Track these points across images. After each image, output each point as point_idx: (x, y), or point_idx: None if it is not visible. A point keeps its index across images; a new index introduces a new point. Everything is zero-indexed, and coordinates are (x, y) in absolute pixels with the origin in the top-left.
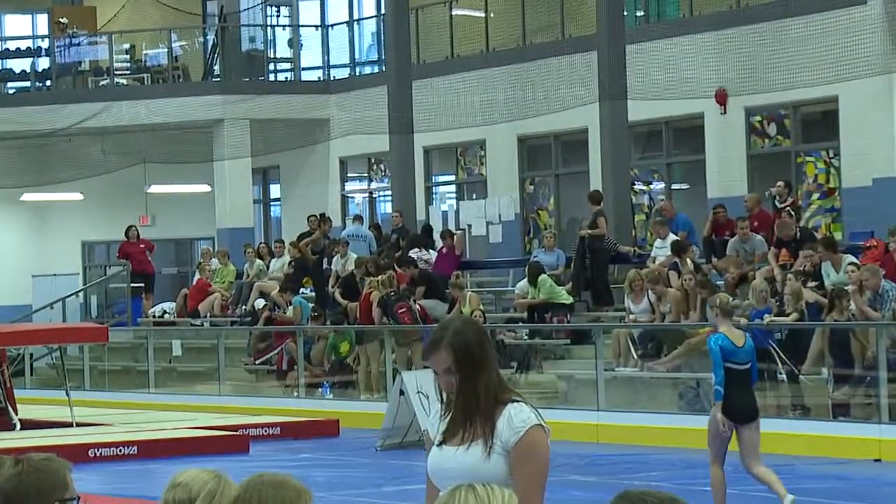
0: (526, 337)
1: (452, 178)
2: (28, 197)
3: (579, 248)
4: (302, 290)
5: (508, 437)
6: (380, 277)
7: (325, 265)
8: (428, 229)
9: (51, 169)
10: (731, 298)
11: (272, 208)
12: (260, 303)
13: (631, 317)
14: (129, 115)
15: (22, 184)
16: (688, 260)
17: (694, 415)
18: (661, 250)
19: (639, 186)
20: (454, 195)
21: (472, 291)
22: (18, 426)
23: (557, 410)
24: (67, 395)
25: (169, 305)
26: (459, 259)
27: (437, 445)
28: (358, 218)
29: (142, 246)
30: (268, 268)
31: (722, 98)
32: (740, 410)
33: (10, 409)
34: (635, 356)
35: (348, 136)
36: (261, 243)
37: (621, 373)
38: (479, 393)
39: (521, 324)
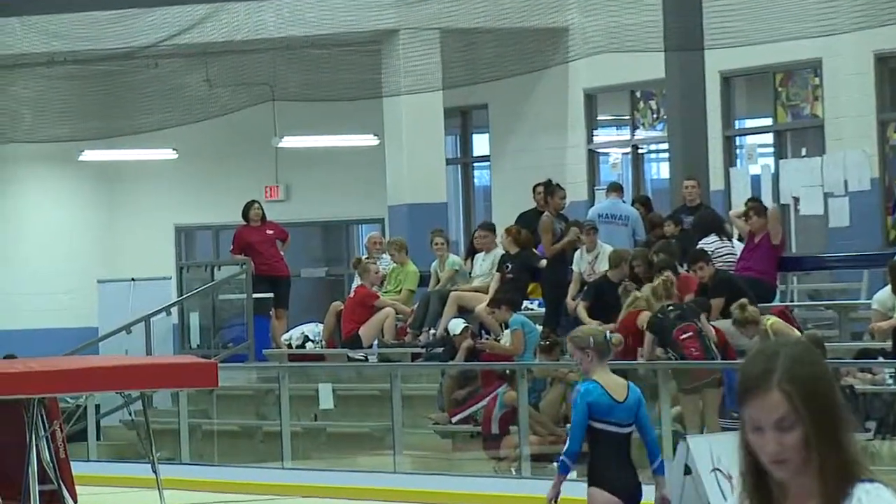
0: (892, 381)
1: (768, 121)
2: (91, 155)
3: None
4: (525, 303)
5: None
6: (651, 284)
7: (560, 264)
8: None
9: (126, 112)
10: (607, 333)
11: (476, 172)
12: (458, 325)
13: None
14: (250, 25)
15: (82, 135)
16: None
17: None
18: None
19: None
20: (771, 150)
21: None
22: None
23: None
24: (155, 471)
25: (313, 328)
26: (779, 253)
27: None
28: (615, 188)
29: (269, 233)
30: (470, 268)
31: None
32: (624, 490)
33: (64, 492)
34: None
35: (599, 56)
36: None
37: None
38: (829, 464)
39: (882, 359)
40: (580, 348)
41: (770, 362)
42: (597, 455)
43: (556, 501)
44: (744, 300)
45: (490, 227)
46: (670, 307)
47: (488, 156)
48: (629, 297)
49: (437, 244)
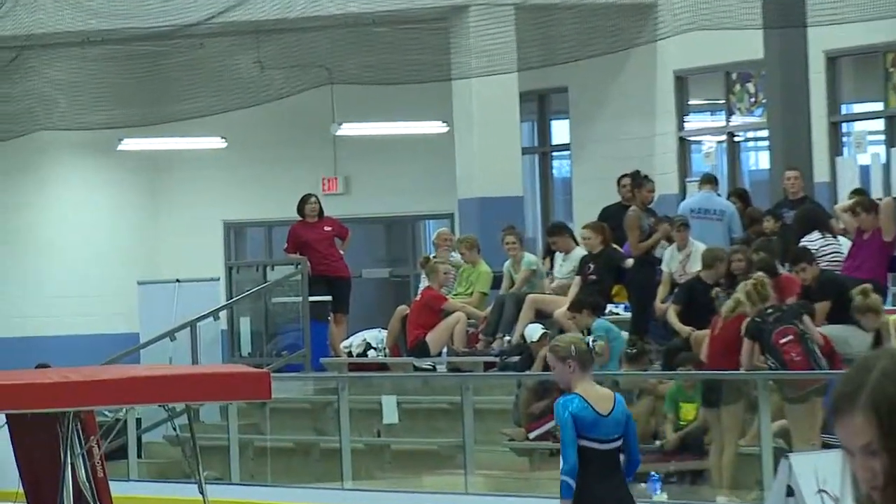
0: None
1: (878, 106)
2: (131, 144)
3: None
4: (609, 307)
5: None
6: (748, 284)
7: (648, 264)
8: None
9: (169, 97)
10: (591, 341)
11: (555, 163)
12: (535, 331)
13: None
14: (305, 1)
15: (121, 122)
16: None
17: None
18: None
19: None
20: (881, 137)
21: None
22: None
23: None
24: (202, 492)
25: (375, 335)
26: (891, 251)
27: None
28: (708, 180)
29: (327, 230)
30: (549, 268)
31: None
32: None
33: None
34: None
35: (690, 34)
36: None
37: None
38: None
39: None
40: (561, 359)
41: (860, 378)
42: (580, 474)
43: None
44: (867, 285)
45: (560, 231)
46: (769, 309)
47: (568, 144)
48: (729, 302)
49: (507, 243)
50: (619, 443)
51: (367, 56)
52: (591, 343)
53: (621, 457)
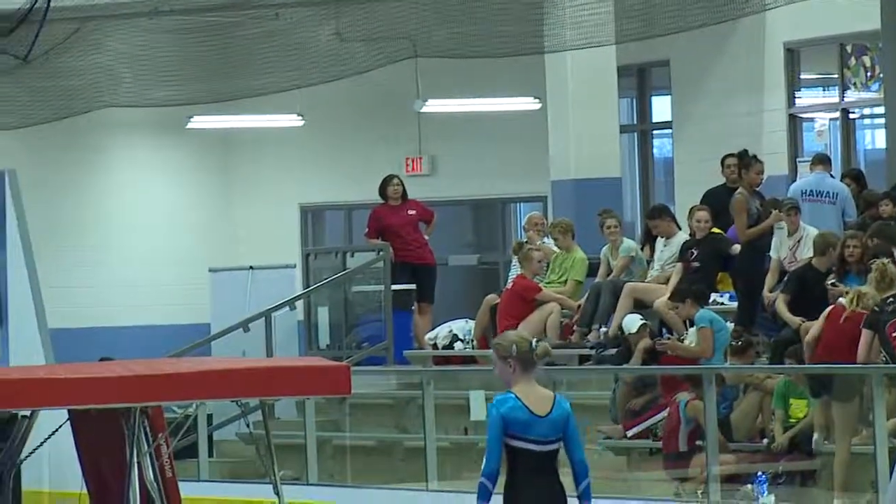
0: None
1: None
2: (201, 122)
3: None
4: (714, 296)
5: None
6: (876, 270)
7: (756, 250)
8: None
9: (242, 71)
10: (534, 342)
11: (655, 142)
12: (634, 322)
13: None
14: None
15: (190, 99)
16: None
17: None
18: None
19: None
20: None
21: None
22: None
23: None
24: (277, 493)
25: (462, 326)
26: None
27: None
28: (821, 160)
29: (411, 214)
30: (650, 256)
31: None
32: None
33: None
34: None
35: (802, 3)
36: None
37: None
38: None
39: None
40: (502, 357)
41: None
42: (512, 476)
43: None
44: None
45: (661, 214)
46: (890, 298)
47: (670, 122)
48: (850, 294)
49: (608, 227)
50: (555, 445)
51: (454, 27)
52: (533, 344)
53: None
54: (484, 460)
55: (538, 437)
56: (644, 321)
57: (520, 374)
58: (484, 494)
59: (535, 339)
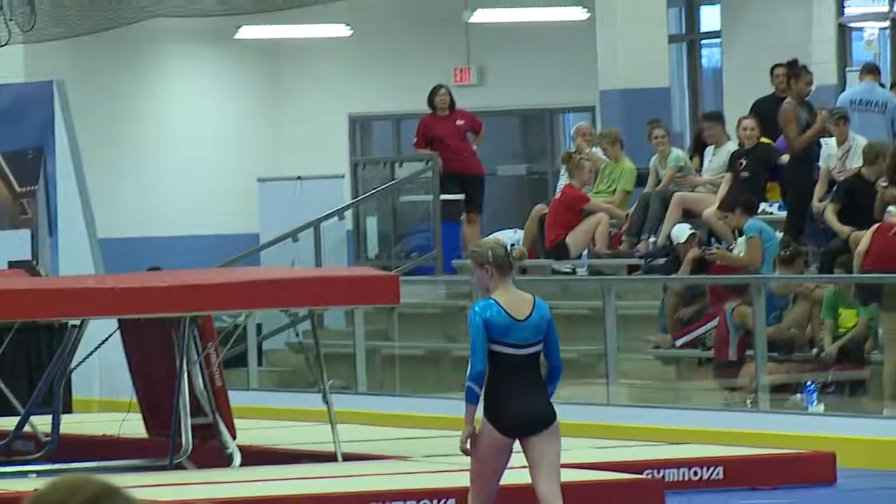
0: None
1: None
2: (250, 33)
3: None
4: (763, 206)
5: None
6: None
7: (804, 160)
8: None
9: None
10: (510, 245)
11: (704, 51)
12: (683, 231)
13: None
14: None
15: (239, 8)
16: None
17: None
18: None
19: None
20: None
21: None
22: (238, 459)
23: None
24: (327, 402)
25: (511, 236)
26: None
27: None
28: (870, 70)
29: (459, 124)
30: (699, 165)
31: None
32: (524, 416)
33: (221, 428)
34: None
35: None
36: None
37: None
38: None
39: None
40: (479, 264)
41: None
42: (493, 381)
43: (471, 442)
44: None
45: (717, 118)
46: None
47: (718, 31)
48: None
49: (656, 137)
50: (537, 348)
51: None
52: (509, 248)
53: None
54: (469, 364)
55: (518, 342)
56: (693, 230)
57: (497, 279)
58: (472, 397)
59: (510, 244)
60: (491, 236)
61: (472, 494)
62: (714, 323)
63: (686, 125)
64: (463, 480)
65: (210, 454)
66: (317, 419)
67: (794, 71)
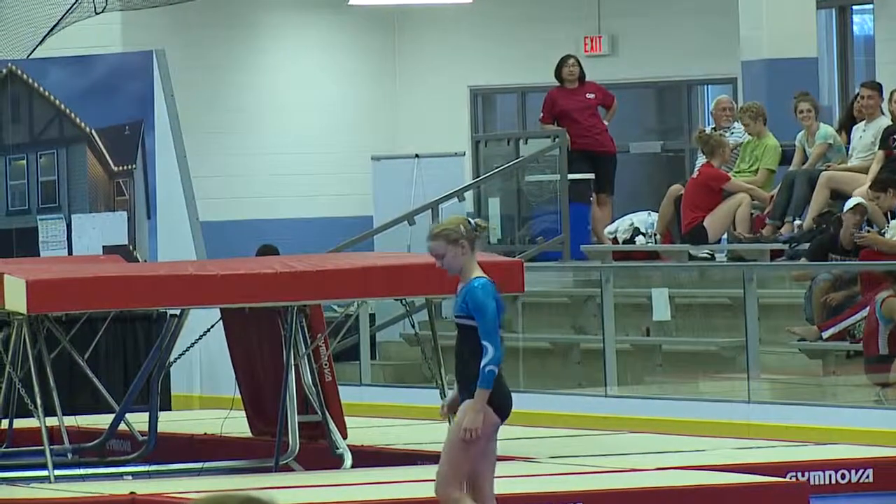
0: None
1: None
2: None
3: None
4: None
5: None
6: None
7: None
8: None
9: None
10: (470, 219)
11: (856, 18)
12: (850, 203)
13: None
14: None
15: None
16: None
17: None
18: None
19: None
20: None
21: None
22: (349, 460)
23: None
24: (444, 398)
25: (645, 218)
26: None
27: None
28: None
29: (589, 97)
30: (847, 143)
31: None
32: (511, 400)
33: (330, 424)
34: None
35: None
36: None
37: None
38: None
39: None
40: (453, 241)
41: None
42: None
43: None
44: None
45: (876, 87)
46: None
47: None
48: None
49: (802, 111)
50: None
51: None
52: (472, 221)
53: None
54: (493, 349)
55: (502, 321)
56: (847, 211)
57: (470, 254)
58: (490, 383)
59: (471, 219)
60: (624, 218)
61: (457, 481)
62: (864, 313)
63: (835, 99)
64: (593, 483)
65: (319, 455)
66: (434, 417)
67: None
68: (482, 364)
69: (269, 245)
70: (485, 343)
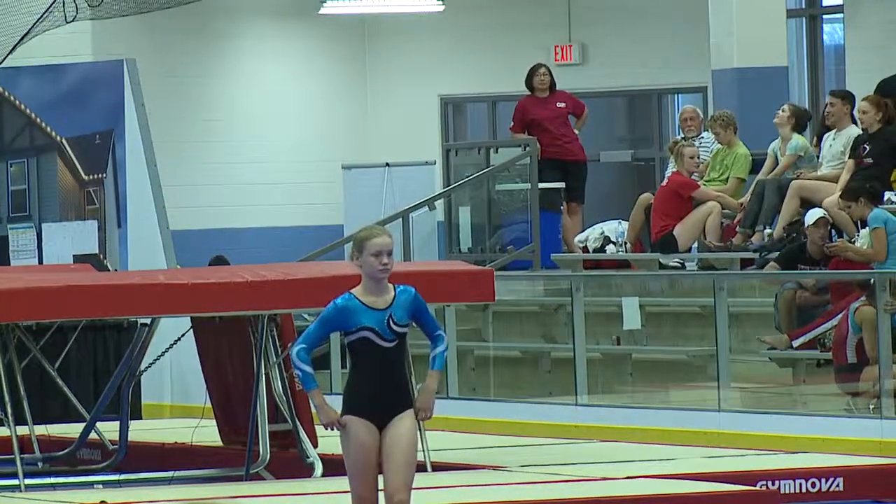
0: None
1: None
2: (335, 7)
3: None
4: (888, 195)
5: None
6: None
7: None
8: None
9: None
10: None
11: (826, 27)
12: (813, 214)
13: None
14: None
15: None
16: None
17: None
18: None
19: None
20: None
21: None
22: (320, 468)
23: None
24: (415, 407)
25: (615, 227)
26: None
27: None
28: None
29: (560, 106)
30: (818, 151)
31: None
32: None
33: (301, 434)
34: None
35: None
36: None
37: None
38: None
39: None
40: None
41: None
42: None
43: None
44: None
45: (844, 95)
46: None
47: (841, 6)
48: None
49: (779, 117)
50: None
51: None
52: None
53: None
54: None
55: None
56: (822, 217)
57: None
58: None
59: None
60: (595, 227)
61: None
62: (834, 322)
63: (806, 107)
64: (564, 492)
65: (289, 463)
66: None
67: None
68: (441, 349)
69: (220, 256)
70: (439, 332)
